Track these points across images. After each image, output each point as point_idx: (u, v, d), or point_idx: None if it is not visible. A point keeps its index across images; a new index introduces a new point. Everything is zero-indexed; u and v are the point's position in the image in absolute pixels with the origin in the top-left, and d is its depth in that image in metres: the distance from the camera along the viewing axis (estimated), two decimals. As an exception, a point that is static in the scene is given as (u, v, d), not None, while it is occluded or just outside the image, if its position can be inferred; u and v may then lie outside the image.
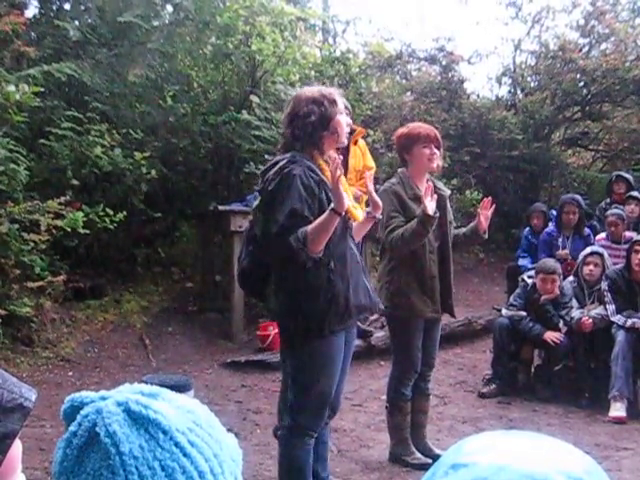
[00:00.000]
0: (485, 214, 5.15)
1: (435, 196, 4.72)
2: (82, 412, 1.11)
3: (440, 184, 5.42)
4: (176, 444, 1.09)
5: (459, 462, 0.96)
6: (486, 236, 5.29)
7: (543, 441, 0.98)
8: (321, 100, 3.75)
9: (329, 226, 3.54)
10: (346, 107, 7.85)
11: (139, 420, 1.08)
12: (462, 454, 0.97)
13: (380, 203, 4.13)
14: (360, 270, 3.94)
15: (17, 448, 1.32)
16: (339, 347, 3.82)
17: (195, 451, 1.10)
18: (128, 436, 1.07)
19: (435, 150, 5.05)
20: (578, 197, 8.80)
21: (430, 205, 4.67)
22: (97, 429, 1.07)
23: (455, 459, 0.97)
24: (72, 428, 1.11)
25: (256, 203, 3.94)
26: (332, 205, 3.52)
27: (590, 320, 6.82)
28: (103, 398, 1.11)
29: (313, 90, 3.89)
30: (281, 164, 3.68)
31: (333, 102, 3.78)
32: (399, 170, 5.27)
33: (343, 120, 3.84)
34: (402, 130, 5.25)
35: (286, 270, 3.76)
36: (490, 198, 5.28)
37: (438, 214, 4.80)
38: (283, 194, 3.60)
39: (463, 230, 5.38)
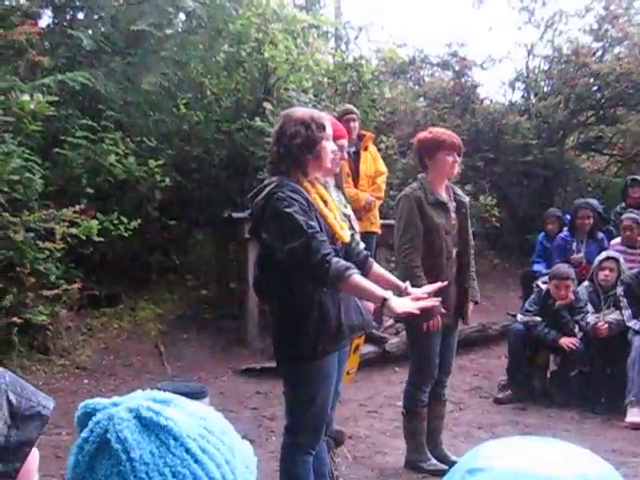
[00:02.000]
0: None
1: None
2: (94, 418, 1.11)
3: (459, 190, 5.42)
4: (187, 450, 1.09)
5: (475, 467, 0.96)
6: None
7: (559, 446, 0.98)
8: (309, 123, 3.74)
9: (365, 296, 3.70)
10: (354, 113, 7.93)
11: (150, 426, 1.08)
12: (478, 459, 0.98)
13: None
14: None
15: (34, 456, 1.33)
16: (333, 367, 3.81)
17: (206, 457, 1.10)
18: (139, 442, 1.07)
19: (457, 158, 5.08)
20: (593, 201, 8.77)
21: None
22: (108, 435, 1.08)
23: (471, 464, 0.97)
24: (84, 434, 1.11)
25: (249, 227, 3.95)
26: (389, 296, 3.55)
27: (606, 325, 6.79)
28: (115, 404, 1.12)
29: (304, 112, 3.89)
30: (269, 189, 3.67)
31: (321, 127, 3.76)
32: (419, 176, 5.25)
33: (329, 146, 3.83)
34: (425, 135, 5.21)
35: (280, 292, 3.76)
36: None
37: (446, 199, 5.02)
38: (275, 220, 3.61)
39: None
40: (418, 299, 3.63)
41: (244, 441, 1.21)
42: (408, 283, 3.97)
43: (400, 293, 3.91)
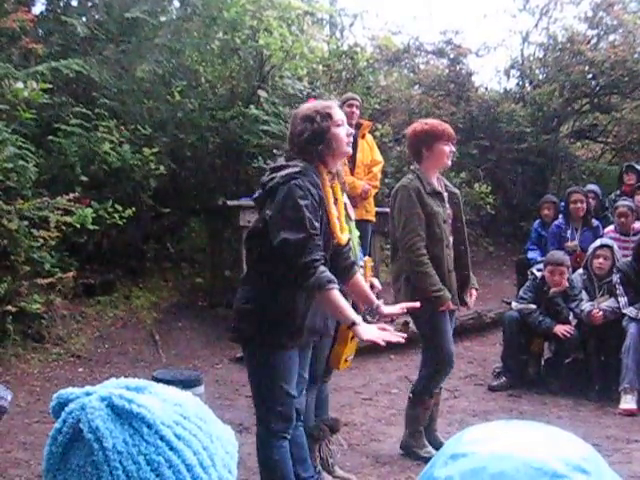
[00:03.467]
0: None
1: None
2: (67, 409, 1.10)
3: (448, 182, 5.46)
4: (161, 438, 1.07)
5: (458, 452, 0.97)
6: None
7: (541, 430, 0.99)
8: (313, 116, 3.75)
9: (336, 314, 3.67)
10: (356, 99, 7.93)
11: (123, 414, 1.07)
12: (461, 444, 0.98)
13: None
14: None
15: None
16: (292, 361, 3.81)
17: (182, 444, 1.08)
18: (112, 431, 1.05)
19: (453, 148, 5.14)
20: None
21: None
22: (81, 425, 1.06)
23: (454, 449, 0.98)
24: (57, 425, 1.10)
25: (258, 196, 3.91)
26: (358, 322, 3.53)
27: (600, 313, 6.81)
28: (88, 394, 1.10)
29: (308, 107, 3.88)
30: (292, 171, 3.65)
31: (326, 116, 3.76)
32: (412, 167, 5.24)
33: (341, 131, 3.82)
34: (422, 125, 5.19)
35: (259, 269, 3.76)
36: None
37: (438, 188, 5.04)
38: (286, 206, 3.59)
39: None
40: (384, 329, 3.61)
41: (225, 426, 1.20)
42: (381, 302, 4.06)
43: (371, 309, 4.03)
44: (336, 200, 3.85)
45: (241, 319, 3.83)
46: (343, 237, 3.90)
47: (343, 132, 3.82)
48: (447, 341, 5.10)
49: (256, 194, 3.92)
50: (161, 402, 1.11)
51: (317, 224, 3.59)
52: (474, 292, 5.38)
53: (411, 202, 4.97)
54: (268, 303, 3.69)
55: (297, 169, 3.65)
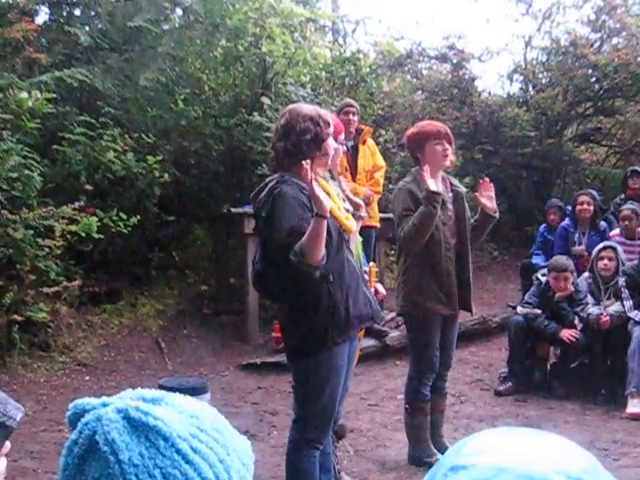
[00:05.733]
0: (486, 195, 5.12)
1: (432, 179, 4.81)
2: (83, 420, 1.09)
3: (455, 181, 5.41)
4: (178, 451, 1.06)
5: (458, 464, 0.95)
6: (497, 214, 5.22)
7: (543, 440, 0.98)
8: (317, 119, 3.75)
9: (319, 232, 3.46)
10: (354, 106, 7.93)
11: (139, 427, 1.06)
12: (461, 456, 0.97)
13: (358, 201, 4.26)
14: (359, 280, 3.94)
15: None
16: (342, 358, 3.82)
17: (198, 457, 1.07)
18: (127, 444, 1.04)
19: (447, 146, 5.04)
20: (592, 191, 8.78)
21: (431, 182, 4.69)
22: (97, 437, 1.06)
23: (454, 461, 0.96)
24: (73, 436, 1.09)
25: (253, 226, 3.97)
26: (315, 210, 3.49)
27: (608, 318, 6.79)
28: (104, 405, 1.09)
29: (309, 108, 3.90)
30: (270, 185, 3.69)
31: (327, 124, 3.79)
32: (413, 169, 5.24)
33: (332, 143, 3.86)
34: (412, 130, 5.22)
35: (289, 285, 3.75)
36: (487, 179, 5.24)
37: (441, 189, 4.86)
38: (278, 215, 3.60)
39: (474, 217, 5.33)
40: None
41: (242, 437, 1.19)
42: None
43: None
44: (328, 194, 3.82)
45: (290, 336, 3.89)
46: (352, 224, 3.93)
47: (333, 144, 3.86)
48: (430, 348, 5.11)
49: (254, 224, 3.96)
50: (177, 414, 1.10)
51: (304, 223, 3.55)
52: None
53: (406, 203, 4.97)
54: (310, 310, 3.71)
55: (274, 181, 3.70)
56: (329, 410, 3.85)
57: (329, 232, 3.57)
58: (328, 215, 3.48)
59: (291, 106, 4.04)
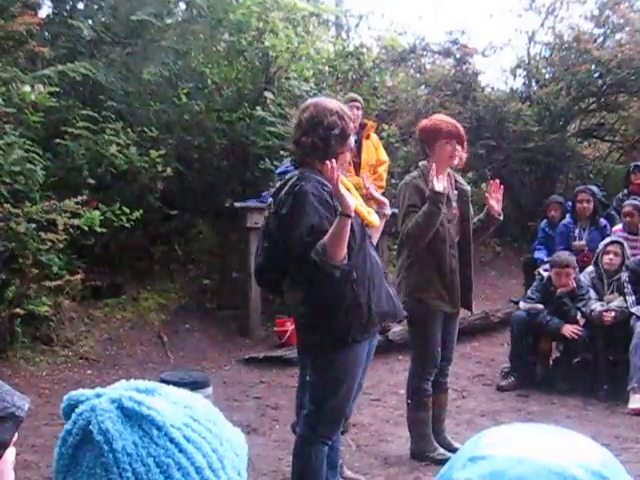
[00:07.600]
0: (495, 197, 5.12)
1: (442, 177, 4.74)
2: (77, 410, 1.10)
3: (460, 179, 5.38)
4: (171, 440, 1.07)
5: (477, 455, 0.96)
6: (502, 217, 5.22)
7: (561, 434, 0.98)
8: (342, 114, 3.74)
9: (343, 231, 3.47)
10: (358, 101, 7.92)
11: (132, 417, 1.07)
12: (480, 447, 0.98)
13: (383, 199, 4.21)
14: (382, 276, 3.92)
15: (8, 456, 1.33)
16: (361, 356, 3.81)
17: (191, 447, 1.09)
18: (121, 433, 1.06)
19: (457, 147, 4.97)
20: (593, 187, 8.77)
21: (436, 183, 4.68)
22: (91, 427, 1.07)
23: (473, 452, 0.97)
24: (67, 426, 1.11)
25: (271, 219, 3.89)
26: (340, 209, 3.49)
27: (612, 314, 6.78)
28: (98, 395, 1.11)
29: (333, 102, 3.88)
30: (291, 183, 3.67)
31: (350, 119, 3.80)
32: (420, 163, 5.22)
33: (352, 139, 3.88)
34: (425, 122, 5.17)
35: (310, 283, 3.72)
36: (498, 181, 5.23)
37: (447, 190, 4.82)
38: (299, 213, 3.59)
39: (478, 216, 5.32)
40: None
41: (235, 429, 1.20)
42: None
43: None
44: (348, 190, 3.80)
45: (310, 330, 3.85)
46: (374, 219, 3.93)
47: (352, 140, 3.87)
48: (432, 344, 5.12)
49: (274, 223, 3.87)
50: (171, 404, 1.12)
51: (326, 222, 3.56)
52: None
53: (411, 199, 4.95)
54: (333, 305, 3.69)
55: (295, 178, 3.68)
56: (344, 406, 3.84)
57: (352, 229, 3.56)
58: (353, 215, 3.48)
59: (314, 100, 4.01)
